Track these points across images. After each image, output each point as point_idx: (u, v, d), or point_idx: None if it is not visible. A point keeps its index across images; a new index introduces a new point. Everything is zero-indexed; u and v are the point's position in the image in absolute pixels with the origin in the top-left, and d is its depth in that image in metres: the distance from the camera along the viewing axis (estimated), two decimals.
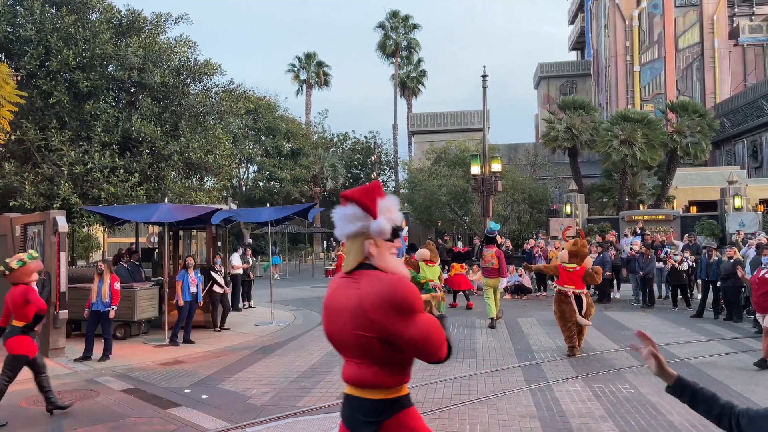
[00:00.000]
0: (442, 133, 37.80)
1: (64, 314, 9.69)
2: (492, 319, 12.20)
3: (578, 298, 9.44)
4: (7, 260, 6.60)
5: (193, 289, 11.04)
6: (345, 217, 2.70)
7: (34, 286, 6.69)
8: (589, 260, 9.78)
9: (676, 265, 14.52)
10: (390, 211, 2.70)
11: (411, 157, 41.46)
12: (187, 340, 10.87)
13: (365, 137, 49.68)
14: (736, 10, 40.33)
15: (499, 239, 13.61)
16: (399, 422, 2.63)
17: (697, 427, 5.82)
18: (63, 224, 9.77)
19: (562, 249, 10.08)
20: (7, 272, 6.43)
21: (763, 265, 8.72)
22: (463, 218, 28.27)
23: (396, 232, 2.71)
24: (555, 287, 9.89)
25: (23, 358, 6.43)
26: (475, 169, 20.72)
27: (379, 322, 2.46)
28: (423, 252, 12.03)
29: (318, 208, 22.35)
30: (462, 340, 10.81)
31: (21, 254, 6.68)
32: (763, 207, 25.84)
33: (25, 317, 6.35)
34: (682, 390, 2.30)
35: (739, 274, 10.12)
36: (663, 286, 16.31)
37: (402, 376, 2.67)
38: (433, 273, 11.47)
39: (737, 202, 23.46)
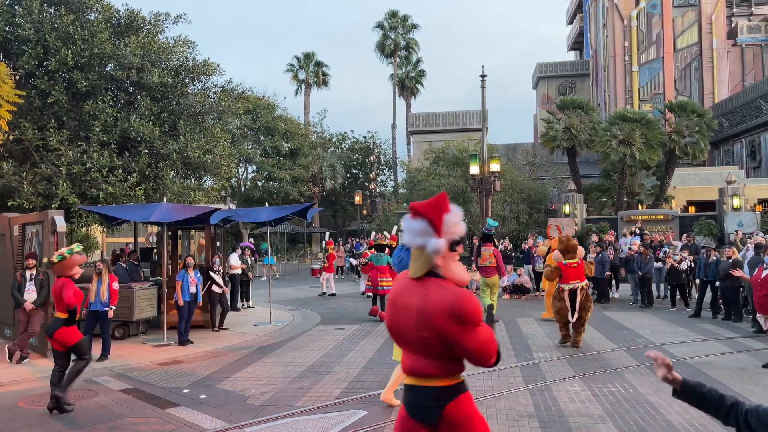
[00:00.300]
0: (441, 133, 37.83)
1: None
2: (490, 306, 12.26)
3: (573, 295, 9.94)
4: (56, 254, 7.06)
5: (192, 289, 11.04)
6: (413, 231, 2.98)
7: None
8: (581, 250, 10.38)
9: (676, 264, 14.53)
10: (456, 225, 2.99)
11: (410, 157, 41.49)
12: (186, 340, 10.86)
13: (364, 137, 49.77)
14: (734, 10, 40.40)
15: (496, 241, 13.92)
16: (459, 404, 2.96)
17: (695, 427, 5.83)
18: (61, 224, 9.76)
19: (542, 248, 10.74)
20: (49, 266, 6.88)
21: (765, 265, 8.66)
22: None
23: (459, 243, 3.00)
24: (560, 287, 10.17)
25: (83, 340, 6.91)
26: (474, 169, 20.73)
27: (442, 328, 2.77)
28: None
29: (317, 208, 22.34)
30: None
31: (63, 249, 7.07)
32: (762, 207, 25.87)
33: (60, 308, 6.80)
34: (690, 394, 2.30)
35: (736, 274, 10.11)
36: (662, 285, 16.34)
37: (459, 367, 2.97)
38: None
39: (735, 202, 23.49)
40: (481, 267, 12.76)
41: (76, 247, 7.05)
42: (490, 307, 12.25)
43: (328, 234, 25.62)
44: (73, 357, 6.90)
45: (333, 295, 18.80)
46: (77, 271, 6.90)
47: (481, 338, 2.80)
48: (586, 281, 10.12)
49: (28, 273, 9.51)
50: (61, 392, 6.65)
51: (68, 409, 6.71)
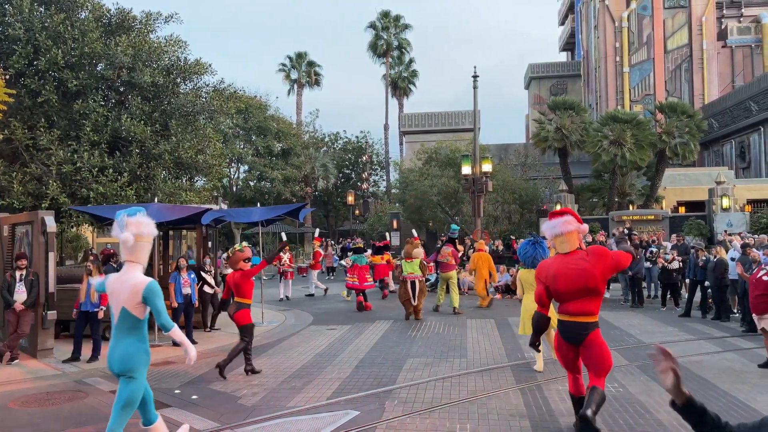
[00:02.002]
0: (433, 133, 37.83)
1: (52, 315, 9.62)
2: (437, 306, 14.69)
3: None
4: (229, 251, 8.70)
5: (187, 290, 10.98)
6: (567, 222, 5.44)
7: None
8: None
9: (667, 264, 14.62)
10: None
11: (402, 157, 41.46)
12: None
13: (356, 137, 49.77)
14: (724, 11, 40.68)
15: (468, 243, 16.72)
16: (595, 334, 5.27)
17: (684, 426, 5.87)
18: (51, 224, 9.70)
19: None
20: (226, 260, 8.44)
21: (763, 266, 8.62)
22: (454, 218, 28.34)
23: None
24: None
25: (251, 325, 8.40)
26: (466, 170, 20.78)
27: (606, 264, 5.23)
28: (408, 251, 13.86)
29: (309, 208, 22.22)
30: (452, 340, 10.85)
31: (236, 245, 8.71)
32: (751, 207, 26.06)
33: (245, 294, 8.25)
34: (691, 411, 2.23)
35: (738, 270, 10.16)
36: (652, 285, 16.44)
37: (597, 310, 5.32)
38: (413, 267, 13.51)
39: (725, 202, 23.66)
40: (440, 263, 14.63)
41: (241, 245, 8.65)
42: (438, 306, 14.71)
43: (284, 234, 23.44)
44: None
45: (281, 300, 18.25)
46: (241, 265, 8.31)
47: (619, 253, 5.36)
48: None
49: (18, 273, 9.45)
50: (223, 364, 8.12)
51: (259, 370, 8.39)
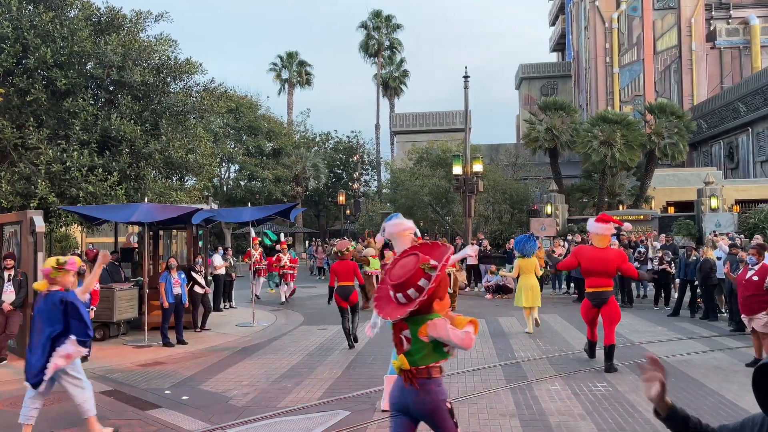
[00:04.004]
0: (425, 133, 37.89)
1: None
2: None
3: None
4: (335, 249, 10.82)
5: (177, 290, 10.93)
6: (607, 229, 8.54)
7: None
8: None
9: (657, 267, 14.72)
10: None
11: (393, 157, 41.48)
12: (180, 341, 10.76)
13: (347, 137, 49.77)
14: (713, 13, 40.97)
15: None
16: (612, 299, 8.32)
17: None
18: (40, 224, 9.63)
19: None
20: (339, 254, 10.35)
21: (749, 266, 8.57)
22: (444, 218, 28.39)
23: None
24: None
25: (356, 305, 10.29)
26: (457, 170, 20.82)
27: (617, 261, 8.34)
28: (369, 251, 15.73)
29: (300, 208, 22.19)
30: None
31: (346, 243, 10.62)
32: (739, 207, 26.30)
33: (351, 279, 10.06)
34: (674, 421, 2.26)
35: (725, 270, 10.24)
36: (641, 285, 16.53)
37: (612, 284, 8.49)
38: (375, 264, 15.29)
39: (713, 202, 23.87)
40: (384, 265, 16.09)
41: (353, 245, 10.09)
42: None
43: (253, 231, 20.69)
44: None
45: (282, 303, 17.83)
46: (347, 255, 10.26)
47: (633, 267, 8.87)
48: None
49: (6, 274, 9.36)
50: (354, 333, 10.33)
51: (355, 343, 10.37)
